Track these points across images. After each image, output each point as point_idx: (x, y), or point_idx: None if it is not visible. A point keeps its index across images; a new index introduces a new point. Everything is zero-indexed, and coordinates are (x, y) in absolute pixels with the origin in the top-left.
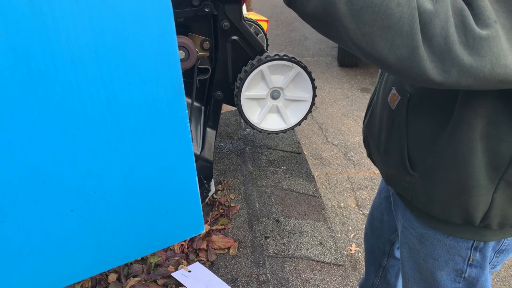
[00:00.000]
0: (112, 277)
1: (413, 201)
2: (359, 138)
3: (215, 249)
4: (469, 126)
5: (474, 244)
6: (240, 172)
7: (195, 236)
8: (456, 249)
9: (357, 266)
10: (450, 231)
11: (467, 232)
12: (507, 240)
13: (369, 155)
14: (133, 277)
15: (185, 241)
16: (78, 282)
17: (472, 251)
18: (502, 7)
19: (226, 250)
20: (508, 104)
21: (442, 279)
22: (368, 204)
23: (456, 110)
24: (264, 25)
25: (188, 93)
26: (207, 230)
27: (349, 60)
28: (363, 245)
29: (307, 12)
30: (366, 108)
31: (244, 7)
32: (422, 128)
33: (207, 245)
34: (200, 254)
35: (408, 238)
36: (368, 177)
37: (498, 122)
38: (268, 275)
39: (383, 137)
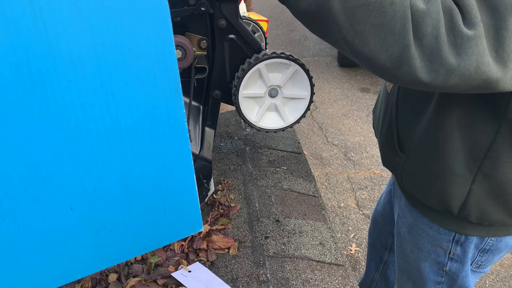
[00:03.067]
0: (112, 277)
1: (403, 183)
2: (359, 138)
3: (215, 249)
4: (446, 114)
5: (456, 237)
6: (240, 172)
7: (195, 236)
8: (438, 241)
9: (357, 266)
10: (433, 217)
11: (448, 221)
12: (491, 239)
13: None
14: (133, 277)
15: (185, 241)
16: (78, 282)
17: (453, 244)
18: (483, 5)
19: (226, 250)
20: (483, 96)
21: (425, 271)
22: (368, 204)
23: (436, 98)
24: (264, 25)
25: (186, 92)
26: (207, 230)
27: (349, 60)
28: (363, 245)
29: (300, 9)
30: (366, 107)
31: (244, 7)
32: (408, 112)
33: (207, 245)
34: (200, 254)
35: (400, 227)
36: (368, 177)
37: (474, 112)
38: (268, 275)
39: (381, 119)
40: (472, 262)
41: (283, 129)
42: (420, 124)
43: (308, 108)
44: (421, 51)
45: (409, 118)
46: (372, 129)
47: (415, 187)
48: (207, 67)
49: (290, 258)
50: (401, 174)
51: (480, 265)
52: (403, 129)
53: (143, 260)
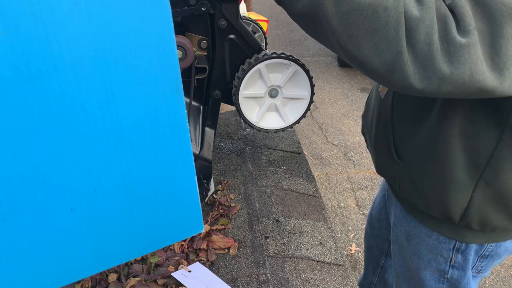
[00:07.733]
0: (112, 277)
1: (400, 191)
2: (359, 138)
3: (215, 249)
4: (448, 122)
5: (456, 245)
6: (240, 172)
7: (195, 236)
8: (438, 249)
9: (357, 266)
10: (432, 226)
11: (448, 229)
12: (491, 245)
13: (367, 145)
14: (133, 277)
15: (185, 241)
16: (78, 282)
17: (454, 252)
18: (479, 12)
19: (226, 250)
20: (485, 102)
21: (426, 278)
22: (368, 204)
23: (437, 106)
24: (264, 25)
25: (186, 93)
26: (207, 230)
27: None
28: (363, 245)
29: (295, 11)
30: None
31: (244, 7)
32: (406, 118)
33: (207, 245)
34: (200, 254)
35: (398, 235)
36: (368, 177)
37: (476, 120)
38: (268, 275)
39: (374, 125)
40: (472, 268)
41: (283, 129)
42: (420, 131)
43: (308, 108)
44: (414, 58)
45: (407, 125)
46: None
47: (414, 194)
48: (207, 67)
49: (290, 258)
50: (399, 182)
51: (480, 270)
52: (400, 136)
53: (143, 260)
